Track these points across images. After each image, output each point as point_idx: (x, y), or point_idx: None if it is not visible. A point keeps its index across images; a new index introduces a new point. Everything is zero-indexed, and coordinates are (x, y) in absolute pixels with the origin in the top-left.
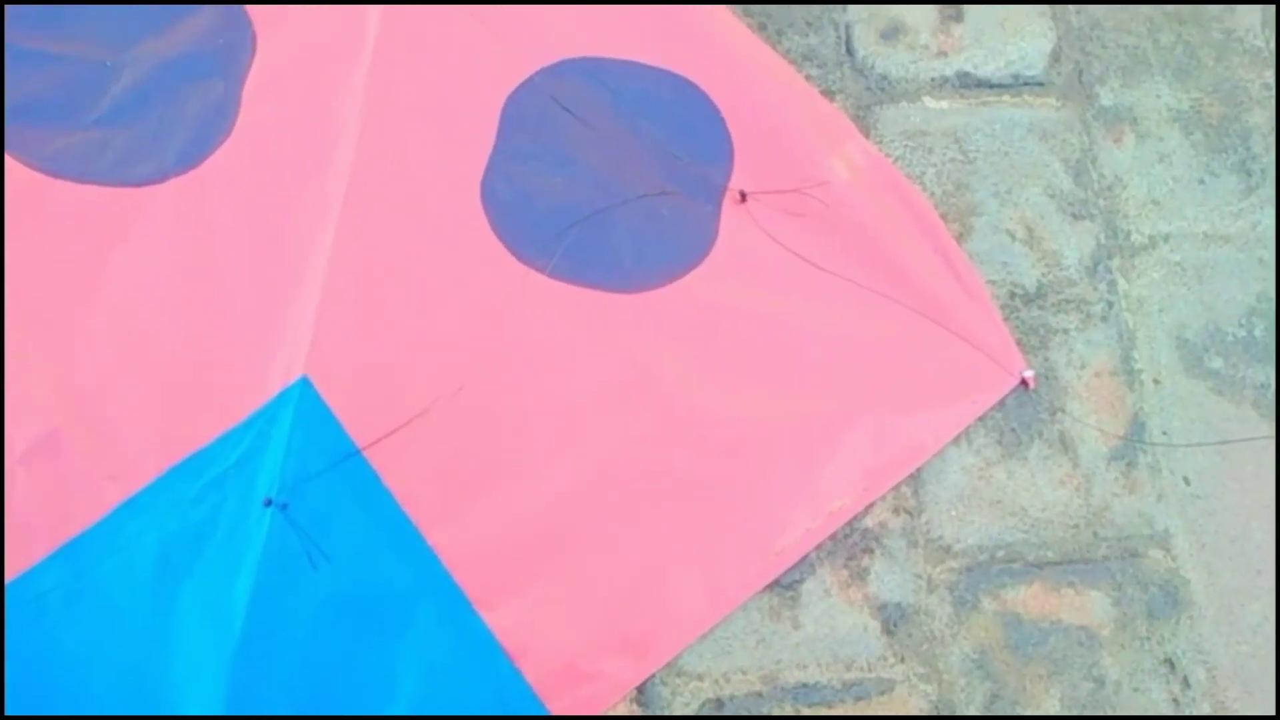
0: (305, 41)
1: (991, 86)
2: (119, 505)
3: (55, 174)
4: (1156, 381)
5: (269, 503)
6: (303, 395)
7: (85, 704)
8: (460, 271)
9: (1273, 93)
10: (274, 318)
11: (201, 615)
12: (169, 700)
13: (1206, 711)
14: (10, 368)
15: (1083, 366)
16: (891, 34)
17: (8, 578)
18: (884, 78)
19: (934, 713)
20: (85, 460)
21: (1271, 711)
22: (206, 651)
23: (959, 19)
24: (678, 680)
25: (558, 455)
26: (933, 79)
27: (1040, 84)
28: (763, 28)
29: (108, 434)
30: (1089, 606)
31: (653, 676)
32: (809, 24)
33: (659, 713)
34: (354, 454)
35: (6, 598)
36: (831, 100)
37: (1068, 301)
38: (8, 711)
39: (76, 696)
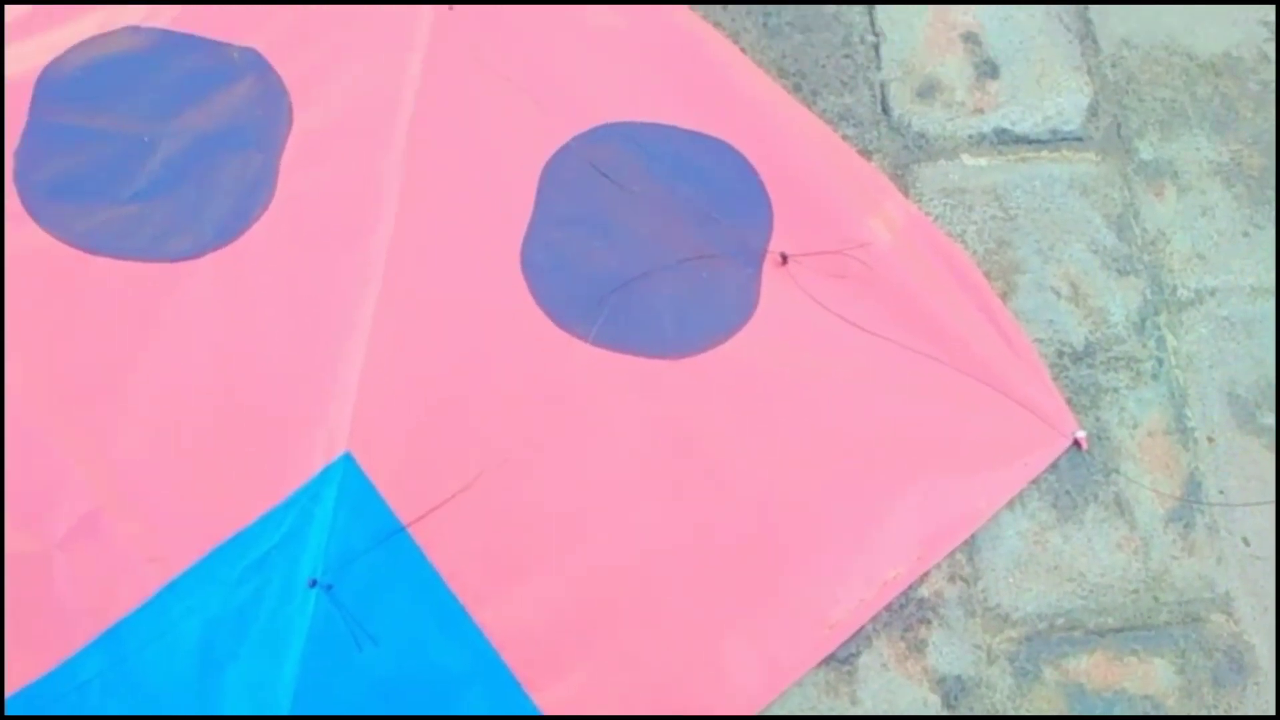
0: (342, 111)
1: (1030, 142)
2: (161, 589)
3: (93, 250)
4: (1210, 440)
5: (314, 583)
6: (346, 472)
7: None
8: (502, 341)
9: None
10: (316, 392)
11: (247, 701)
12: None
13: None
14: (50, 448)
15: (1135, 426)
16: (927, 92)
17: (49, 666)
18: (921, 136)
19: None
20: (126, 542)
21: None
22: None
23: (994, 75)
24: None
25: (605, 527)
26: (970, 136)
27: (1079, 139)
28: (798, 88)
29: (149, 515)
30: (1153, 675)
31: None
32: (844, 83)
33: None
34: (399, 531)
35: (48, 687)
36: (869, 159)
37: (1117, 359)
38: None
39: None
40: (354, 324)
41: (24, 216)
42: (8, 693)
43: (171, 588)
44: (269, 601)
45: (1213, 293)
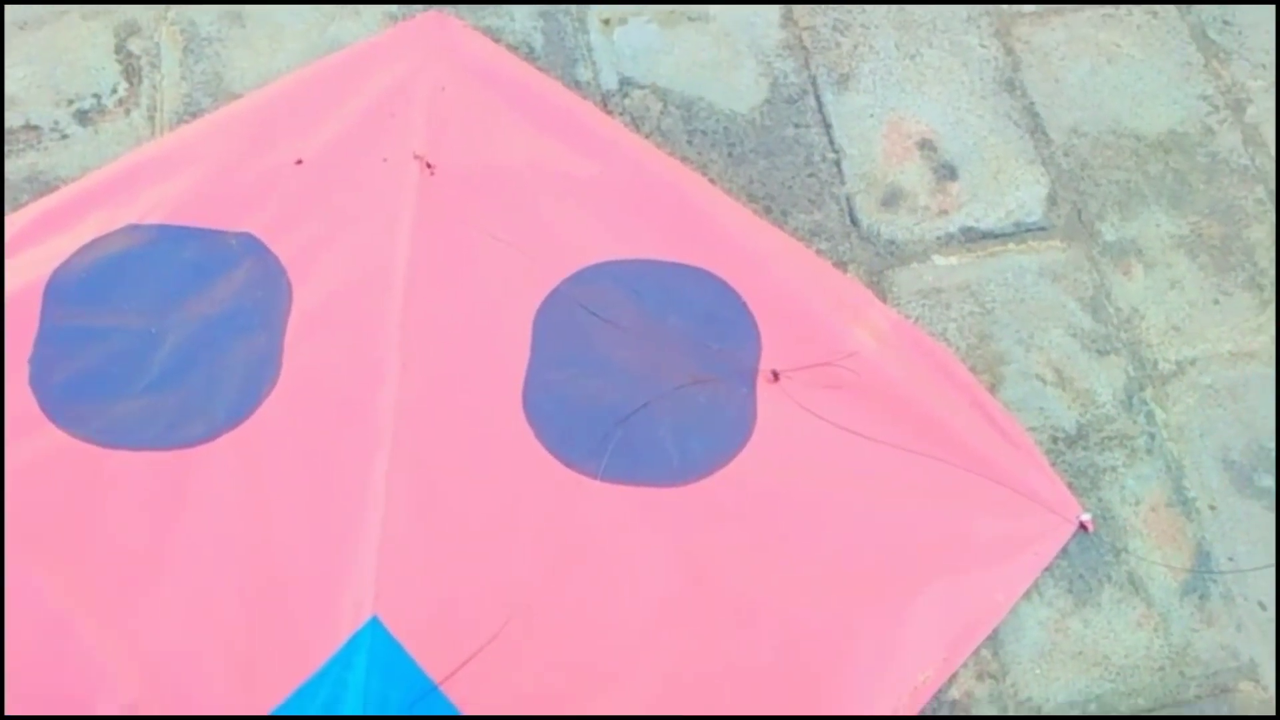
0: (338, 282)
1: (996, 237)
2: None
3: (110, 445)
4: (1213, 507)
5: None
6: (374, 636)
7: None
8: (513, 488)
9: (1268, 207)
10: (338, 560)
11: None
12: None
13: None
14: (86, 645)
15: (1137, 502)
16: (891, 200)
17: None
18: (891, 242)
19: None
20: None
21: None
22: None
23: (953, 177)
24: None
25: (631, 663)
26: (938, 237)
27: (1042, 228)
28: (768, 210)
29: (186, 702)
30: None
31: None
32: (811, 201)
33: None
34: (432, 690)
35: None
36: (845, 270)
37: (1110, 439)
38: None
39: None
40: (369, 488)
41: (42, 419)
42: None
43: None
44: None
45: (1193, 362)
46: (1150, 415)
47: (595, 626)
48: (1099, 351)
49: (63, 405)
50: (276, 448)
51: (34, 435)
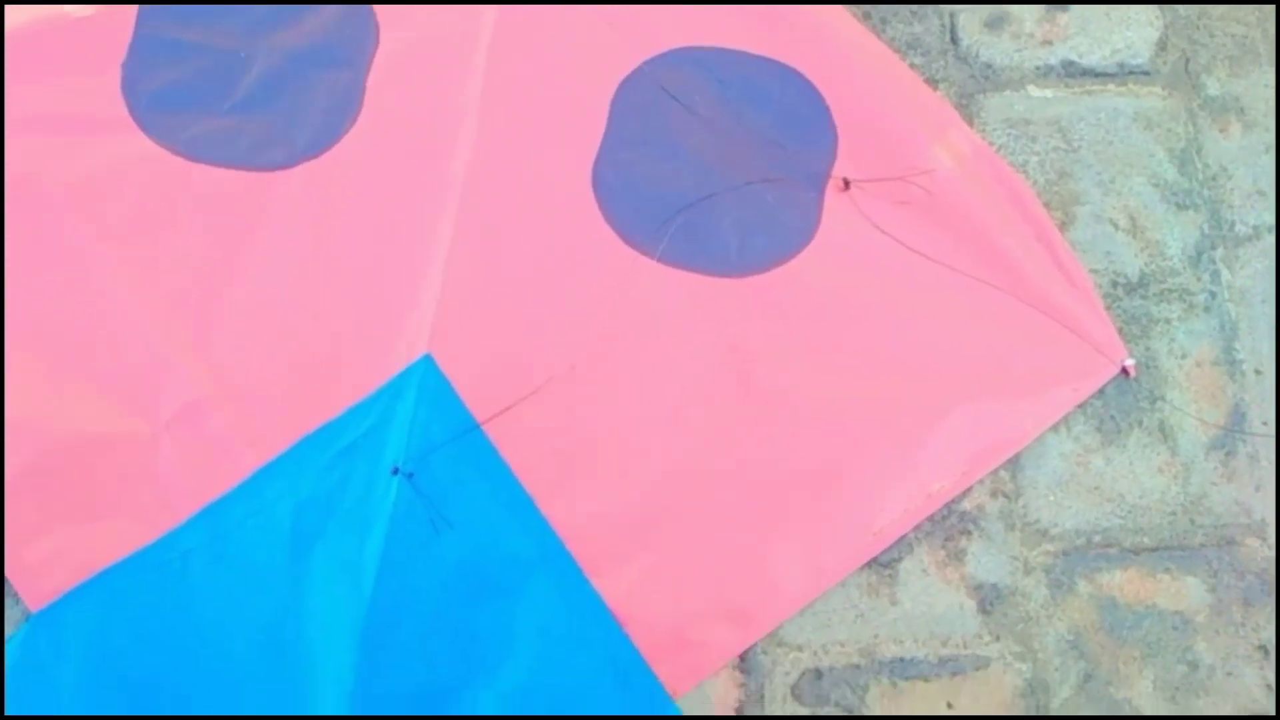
0: (425, 34)
1: (1096, 75)
2: (257, 471)
3: (195, 158)
4: (1258, 372)
5: (396, 471)
6: (426, 371)
7: (223, 658)
8: (573, 256)
9: None
10: (399, 297)
11: (333, 575)
12: (303, 655)
13: None
14: (155, 340)
15: (1184, 356)
16: (996, 23)
17: (155, 536)
18: (988, 66)
19: (1027, 690)
20: (225, 429)
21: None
22: (339, 609)
23: (1064, 8)
24: (778, 650)
25: (665, 433)
26: (1037, 67)
27: (1146, 73)
28: (867, 16)
29: (246, 405)
30: (1185, 592)
31: (754, 646)
32: (913, 13)
33: (760, 680)
34: (474, 428)
35: (155, 554)
36: (935, 89)
37: (1170, 291)
38: (9, 710)
39: (215, 651)
40: (436, 232)
41: (131, 125)
42: (118, 557)
43: (266, 471)
44: (355, 486)
45: (1270, 229)
46: (1215, 275)
47: (633, 395)
48: (1178, 205)
49: (151, 114)
50: (351, 183)
51: (122, 139)
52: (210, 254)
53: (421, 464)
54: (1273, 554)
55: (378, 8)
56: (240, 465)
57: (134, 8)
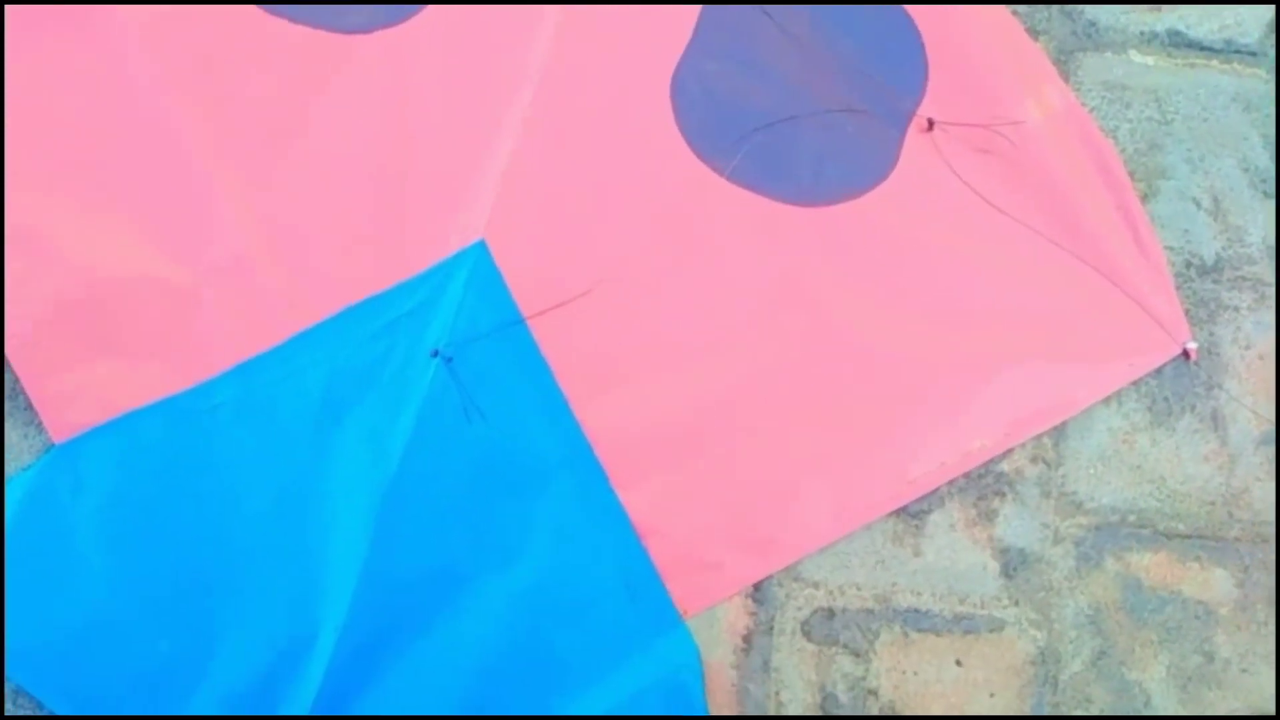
0: None
1: (1202, 49)
2: (296, 335)
3: (271, 10)
4: None
5: (435, 354)
6: (479, 258)
7: (240, 517)
8: (641, 161)
9: None
10: (460, 179)
11: (359, 448)
12: (320, 523)
13: None
14: (210, 187)
15: (1248, 346)
16: None
17: (186, 385)
18: (1092, 24)
19: (1039, 658)
20: (269, 287)
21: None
22: (360, 482)
23: None
24: (794, 584)
25: (710, 354)
26: (1142, 32)
27: (1253, 53)
28: None
29: (293, 266)
30: (1212, 583)
31: (770, 577)
32: None
33: (772, 612)
34: (518, 321)
35: (185, 402)
36: (1035, 40)
37: (1244, 279)
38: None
39: (233, 508)
40: (504, 122)
41: None
42: (148, 400)
43: (306, 335)
44: (393, 363)
45: None
46: None
47: (684, 312)
48: (1265, 193)
49: None
50: (426, 57)
51: None
52: (276, 109)
53: (462, 350)
54: None
55: None
56: (281, 326)
57: None
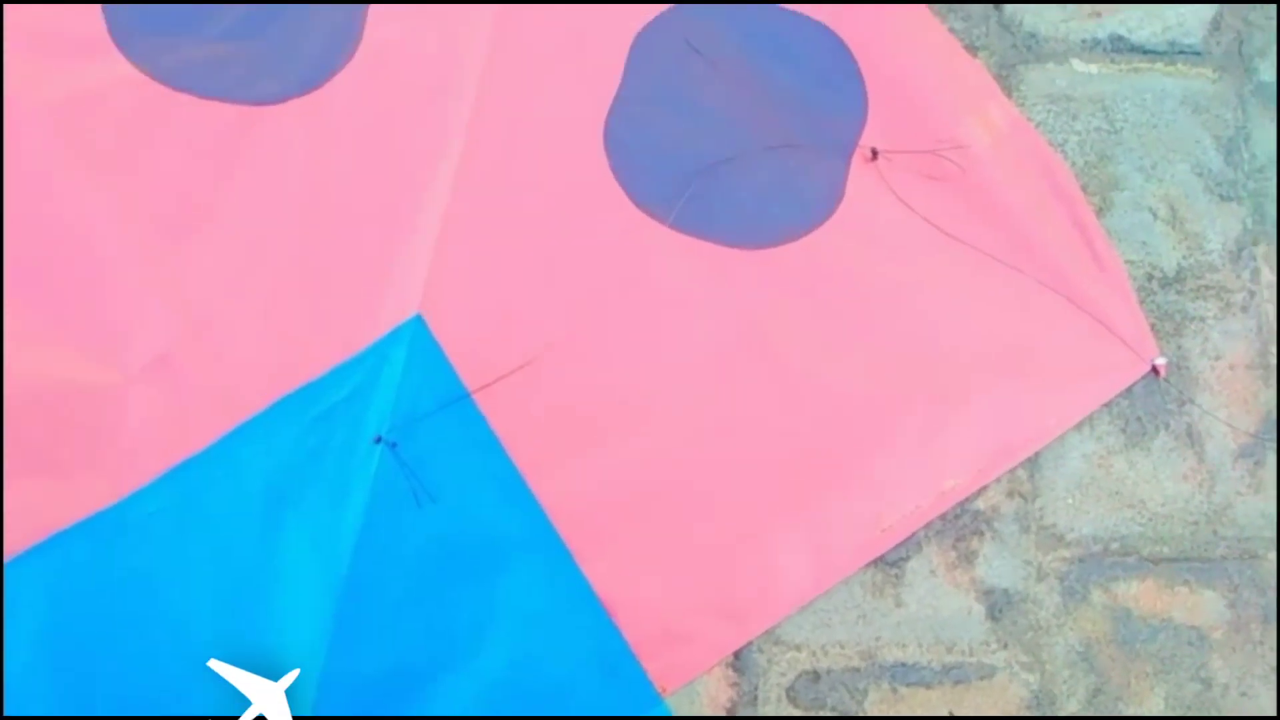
0: None
1: (1145, 52)
2: (231, 431)
3: (178, 87)
4: None
5: (379, 440)
6: (416, 333)
7: (187, 631)
8: (579, 216)
9: None
10: (391, 251)
11: (307, 547)
12: (272, 631)
13: None
14: (129, 282)
15: (1217, 357)
16: None
17: (121, 495)
18: (1032, 35)
19: (1034, 702)
20: (200, 384)
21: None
22: (312, 583)
23: None
24: (775, 649)
25: (666, 410)
26: (1084, 40)
27: (1197, 53)
28: None
29: (222, 359)
30: (1202, 607)
31: (750, 644)
32: None
33: (755, 680)
34: (464, 397)
35: (120, 514)
36: (975, 56)
37: (1207, 288)
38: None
39: (179, 622)
40: (433, 185)
41: (111, 48)
42: (79, 517)
43: (240, 431)
44: (334, 453)
45: None
46: (1256, 272)
47: (636, 370)
48: (1221, 196)
49: (133, 37)
50: (345, 123)
51: (100, 61)
52: (191, 191)
53: (406, 433)
54: None
55: None
56: (213, 424)
57: None
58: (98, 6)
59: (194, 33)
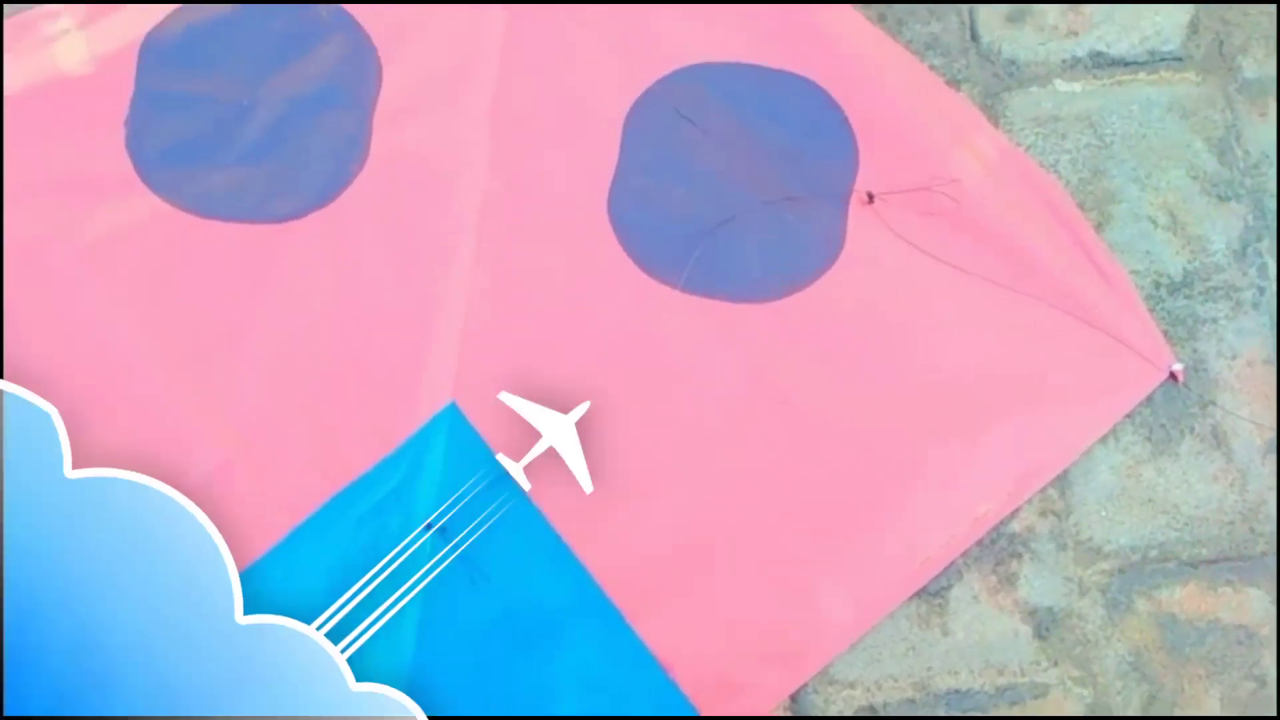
0: (428, 65)
1: (1126, 65)
2: (290, 532)
3: (203, 214)
4: None
5: (429, 527)
6: (452, 421)
7: None
8: (593, 290)
9: None
10: (419, 345)
11: (372, 638)
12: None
13: None
14: (179, 406)
15: (1234, 357)
16: (1018, 16)
17: None
18: (1012, 62)
19: (1090, 715)
20: (256, 491)
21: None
22: (378, 670)
23: None
24: (830, 689)
25: (696, 470)
26: (1063, 60)
27: (1178, 59)
28: (882, 18)
29: (274, 466)
30: (1247, 604)
31: (805, 685)
32: (931, 11)
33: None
34: (504, 476)
35: None
36: (958, 89)
37: (1216, 289)
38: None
39: None
40: (451, 278)
41: (138, 183)
42: None
43: (298, 532)
44: (388, 543)
45: None
46: (1263, 268)
47: (662, 429)
48: (1219, 197)
49: (159, 171)
50: (362, 229)
51: (131, 199)
52: (226, 312)
53: (453, 517)
54: None
55: (377, 41)
56: (273, 528)
57: (132, 62)
58: (123, 147)
59: (215, 161)
